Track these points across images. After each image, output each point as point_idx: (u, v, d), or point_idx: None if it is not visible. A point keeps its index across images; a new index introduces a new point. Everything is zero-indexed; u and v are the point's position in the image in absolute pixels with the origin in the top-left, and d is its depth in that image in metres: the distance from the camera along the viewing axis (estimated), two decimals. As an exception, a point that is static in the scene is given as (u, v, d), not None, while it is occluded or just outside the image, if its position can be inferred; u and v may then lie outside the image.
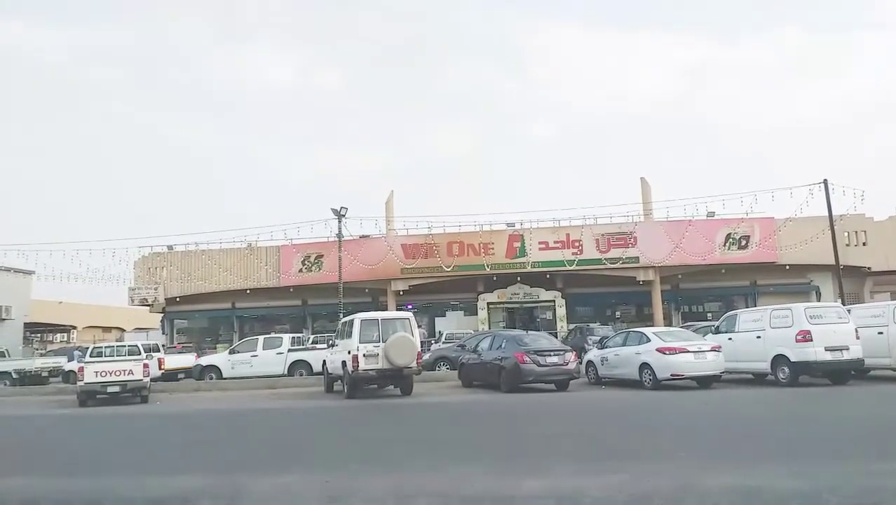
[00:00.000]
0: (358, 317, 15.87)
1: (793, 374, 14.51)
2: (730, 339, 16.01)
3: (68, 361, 25.07)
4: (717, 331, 16.86)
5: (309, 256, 32.45)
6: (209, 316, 34.97)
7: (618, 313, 34.06)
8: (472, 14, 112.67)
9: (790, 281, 31.14)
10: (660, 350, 15.10)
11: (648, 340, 15.64)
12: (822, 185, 26.87)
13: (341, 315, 23.43)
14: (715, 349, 15.19)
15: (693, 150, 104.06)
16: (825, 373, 14.75)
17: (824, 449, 7.84)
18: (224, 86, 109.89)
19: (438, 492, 6.14)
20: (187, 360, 23.70)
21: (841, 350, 14.40)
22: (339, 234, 28.33)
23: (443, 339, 26.38)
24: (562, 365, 15.67)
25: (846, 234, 30.38)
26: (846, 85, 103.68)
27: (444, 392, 16.70)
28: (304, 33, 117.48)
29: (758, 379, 15.95)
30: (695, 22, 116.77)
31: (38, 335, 52.71)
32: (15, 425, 13.83)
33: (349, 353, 15.26)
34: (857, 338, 14.52)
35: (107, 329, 55.55)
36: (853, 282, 30.61)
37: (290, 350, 22.07)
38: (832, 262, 27.06)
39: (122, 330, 53.83)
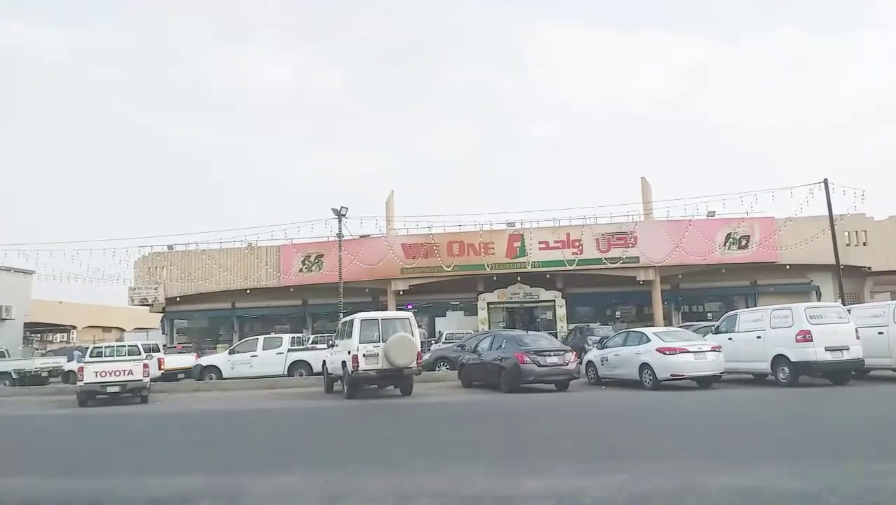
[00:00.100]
0: (358, 317, 15.86)
1: (793, 374, 14.50)
2: (730, 339, 16.01)
3: (68, 361, 25.06)
4: (717, 331, 16.85)
5: (309, 256, 32.45)
6: (209, 316, 34.97)
7: (618, 313, 34.03)
8: (472, 14, 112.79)
9: (790, 281, 31.12)
10: (660, 350, 15.10)
11: (648, 340, 15.65)
12: (823, 184, 26.86)
13: (341, 315, 23.43)
14: (715, 349, 15.20)
15: (693, 150, 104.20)
16: (825, 373, 14.75)
17: (824, 449, 7.84)
18: (224, 86, 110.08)
19: (438, 492, 6.14)
20: (187, 360, 23.70)
21: (841, 350, 14.40)
22: (340, 234, 28.33)
23: (443, 339, 26.37)
24: (562, 365, 15.67)
25: (846, 234, 30.35)
26: (846, 85, 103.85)
27: (444, 392, 16.70)
28: (304, 33, 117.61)
29: (758, 379, 15.95)
30: (695, 22, 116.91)
31: (38, 335, 52.70)
32: (15, 425, 13.82)
33: (349, 353, 15.26)
34: (858, 338, 14.51)
35: (107, 329, 55.55)
36: (853, 282, 30.60)
37: (289, 350, 22.06)
38: (832, 262, 27.05)
39: (122, 330, 53.79)
